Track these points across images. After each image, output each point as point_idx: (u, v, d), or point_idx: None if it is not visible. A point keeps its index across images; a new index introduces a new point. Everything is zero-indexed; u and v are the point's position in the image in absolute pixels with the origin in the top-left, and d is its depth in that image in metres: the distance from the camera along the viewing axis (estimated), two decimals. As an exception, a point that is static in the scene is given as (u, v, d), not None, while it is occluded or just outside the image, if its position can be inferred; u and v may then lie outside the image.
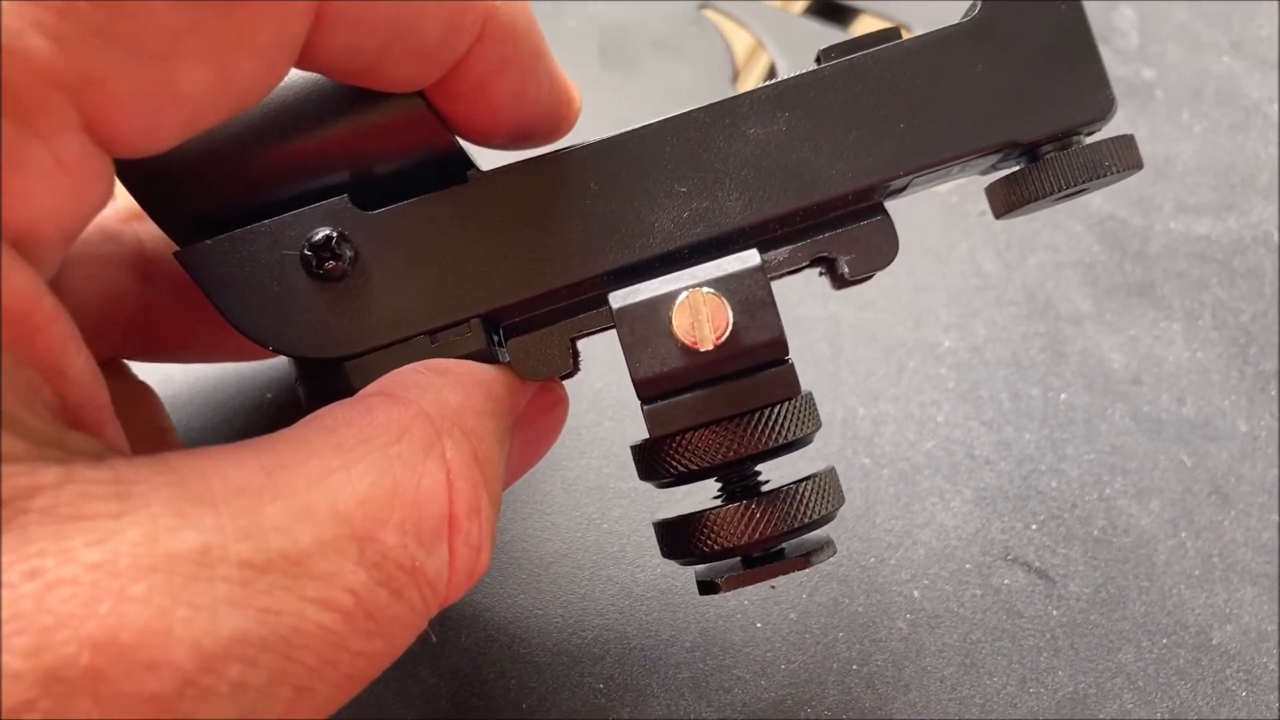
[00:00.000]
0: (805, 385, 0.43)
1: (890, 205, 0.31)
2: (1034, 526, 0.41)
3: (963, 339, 0.46)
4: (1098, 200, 0.50)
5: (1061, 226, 0.49)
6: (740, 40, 0.57)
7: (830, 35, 0.57)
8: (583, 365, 0.32)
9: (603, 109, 0.52)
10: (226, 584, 0.20)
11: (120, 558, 0.19)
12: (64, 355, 0.22)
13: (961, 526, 0.41)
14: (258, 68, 0.23)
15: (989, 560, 0.41)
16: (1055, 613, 0.40)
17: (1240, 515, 0.42)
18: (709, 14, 0.57)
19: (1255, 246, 0.49)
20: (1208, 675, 0.39)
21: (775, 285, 0.30)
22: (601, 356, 0.30)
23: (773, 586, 0.39)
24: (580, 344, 0.31)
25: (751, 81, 0.56)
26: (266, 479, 0.22)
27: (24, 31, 0.20)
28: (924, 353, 0.45)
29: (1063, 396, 0.44)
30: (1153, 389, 0.45)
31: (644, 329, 0.28)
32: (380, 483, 0.23)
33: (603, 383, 0.42)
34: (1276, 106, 0.53)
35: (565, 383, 0.32)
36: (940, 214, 0.49)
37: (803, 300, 0.46)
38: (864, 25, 0.58)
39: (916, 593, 0.40)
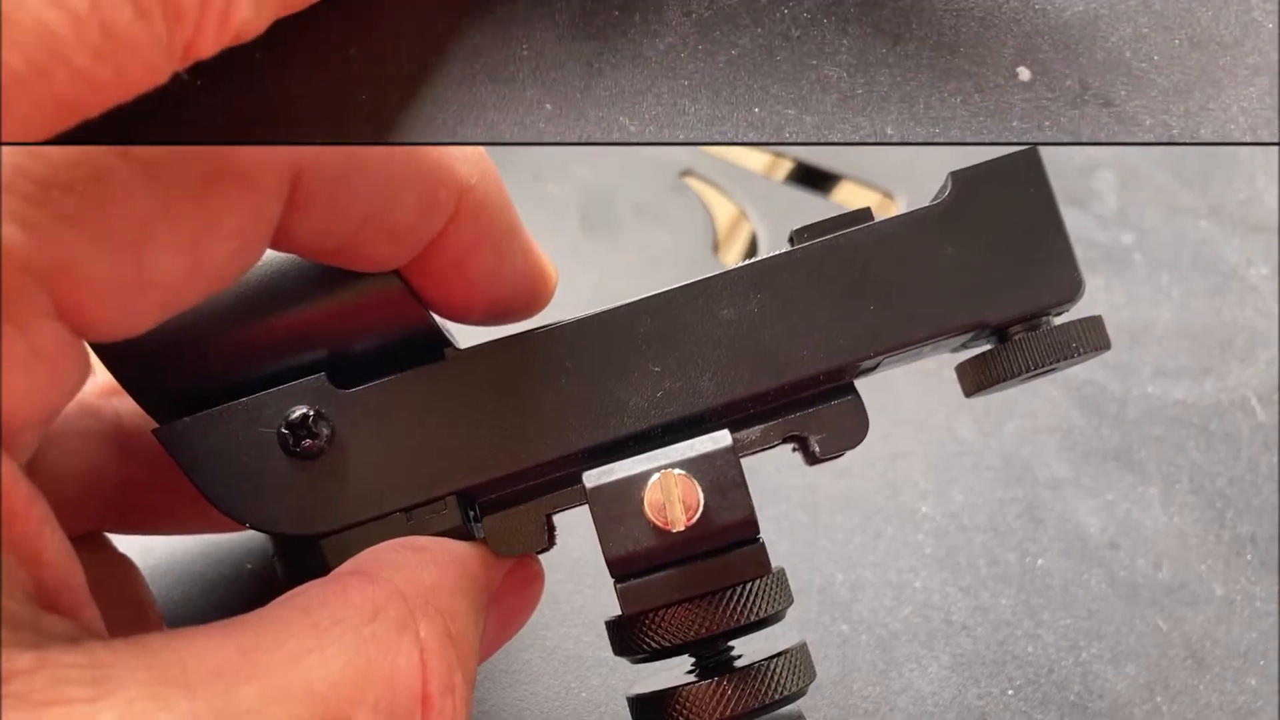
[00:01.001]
0: (783, 553, 0.44)
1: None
2: (1010, 692, 0.41)
3: (940, 505, 0.46)
4: (1076, 366, 0.50)
5: (1039, 392, 0.49)
6: (722, 208, 0.58)
7: (812, 203, 0.58)
8: (562, 534, 0.32)
9: (584, 274, 0.53)
10: (200, 767, 0.20)
11: None
12: (40, 539, 0.22)
13: (939, 693, 0.41)
14: (231, 252, 0.24)
15: (967, 728, 0.40)
16: (1033, 781, 0.39)
17: (1215, 679, 0.42)
18: (690, 181, 0.58)
19: (1232, 410, 0.50)
20: (1187, 844, 0.39)
21: (750, 456, 0.31)
22: (579, 526, 0.30)
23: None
24: (558, 516, 0.31)
25: (734, 251, 0.57)
26: (242, 660, 0.22)
27: None
28: (901, 519, 0.45)
29: (1040, 562, 0.45)
30: (1129, 553, 0.45)
31: (617, 509, 0.28)
32: (354, 663, 0.23)
33: (581, 552, 0.42)
34: (1254, 270, 0.54)
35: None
36: (918, 380, 0.49)
37: (779, 469, 0.46)
38: (845, 191, 0.59)
39: (895, 762, 0.40)
